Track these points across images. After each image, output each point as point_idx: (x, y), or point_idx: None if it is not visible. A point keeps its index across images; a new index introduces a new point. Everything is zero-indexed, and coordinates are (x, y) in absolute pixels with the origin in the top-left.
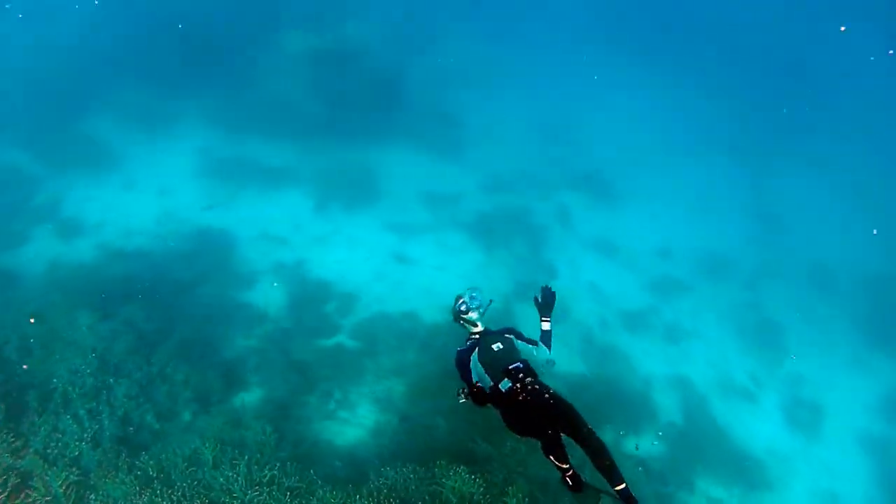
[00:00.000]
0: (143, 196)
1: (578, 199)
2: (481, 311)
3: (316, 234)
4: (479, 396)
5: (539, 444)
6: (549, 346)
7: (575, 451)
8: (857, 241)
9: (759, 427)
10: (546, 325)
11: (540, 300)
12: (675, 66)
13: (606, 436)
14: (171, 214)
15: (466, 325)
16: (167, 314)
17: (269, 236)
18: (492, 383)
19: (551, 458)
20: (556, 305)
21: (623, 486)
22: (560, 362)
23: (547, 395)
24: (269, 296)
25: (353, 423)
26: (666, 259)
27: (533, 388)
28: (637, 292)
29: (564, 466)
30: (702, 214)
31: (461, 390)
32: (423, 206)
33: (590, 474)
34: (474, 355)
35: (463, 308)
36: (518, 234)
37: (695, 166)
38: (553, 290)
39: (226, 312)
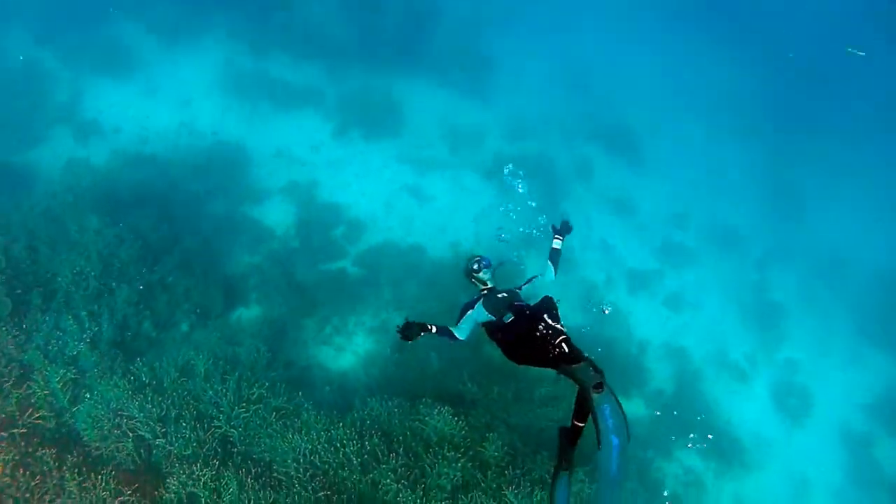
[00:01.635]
0: (162, 104)
1: (601, 155)
2: (492, 274)
3: (332, 158)
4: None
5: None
6: (556, 267)
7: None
8: (875, 236)
9: (746, 407)
10: (557, 244)
11: (558, 227)
12: (713, 35)
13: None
14: (189, 125)
15: (477, 282)
16: (175, 224)
17: (285, 155)
18: (495, 320)
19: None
20: (563, 256)
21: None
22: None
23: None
24: (278, 214)
25: (348, 350)
26: (680, 226)
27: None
28: (646, 255)
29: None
30: (722, 186)
31: None
32: (443, 143)
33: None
34: (479, 304)
35: (475, 267)
36: (535, 182)
37: (722, 136)
38: (571, 224)
39: (234, 227)
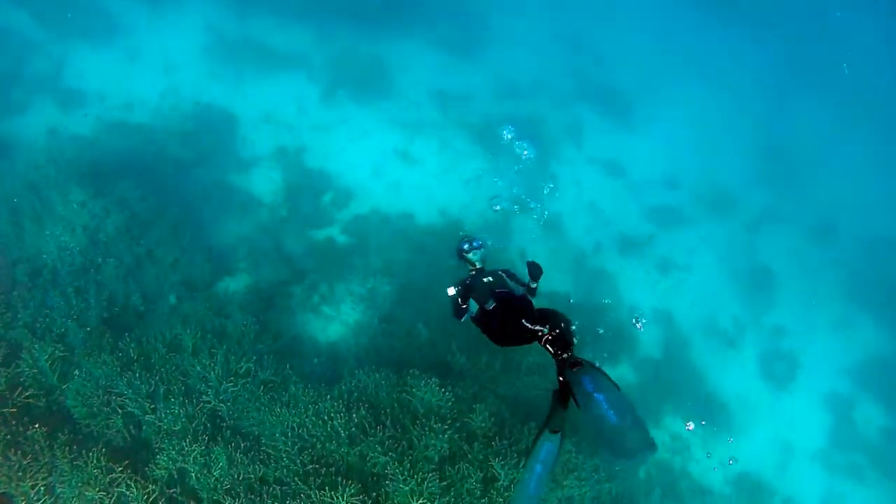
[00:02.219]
0: (147, 69)
1: (593, 115)
2: (482, 256)
3: (320, 123)
4: (460, 311)
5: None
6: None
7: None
8: (867, 200)
9: (733, 372)
10: (533, 284)
11: (530, 270)
12: None
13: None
14: (174, 91)
15: (467, 262)
16: (162, 194)
17: (272, 120)
18: (479, 306)
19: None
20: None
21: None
22: (549, 283)
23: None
24: (266, 182)
25: (337, 319)
26: (671, 188)
27: (513, 297)
28: (636, 219)
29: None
30: (715, 147)
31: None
32: (432, 105)
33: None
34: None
35: (465, 247)
36: (526, 143)
37: (716, 96)
38: (540, 265)
39: (222, 195)
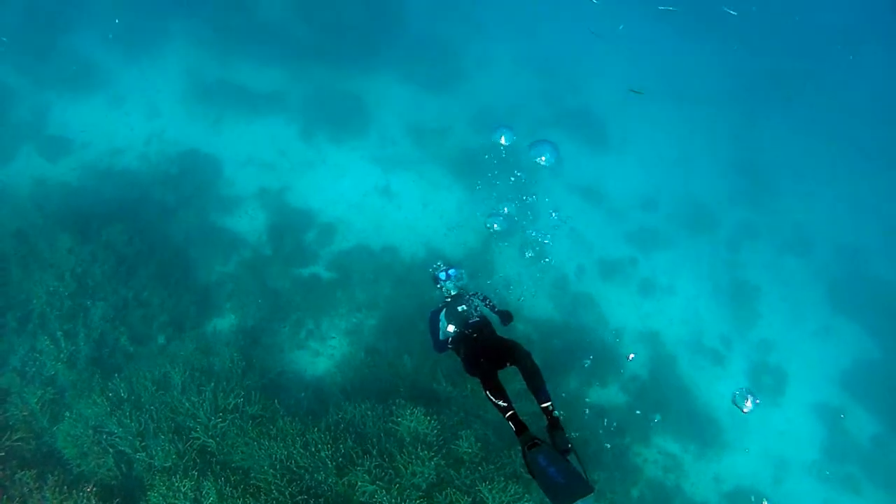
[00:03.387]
0: (129, 116)
1: (568, 141)
2: (455, 283)
3: (300, 162)
4: (439, 345)
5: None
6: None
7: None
8: (841, 210)
9: (722, 388)
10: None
11: (501, 319)
12: (675, 12)
13: (570, 383)
14: (157, 135)
15: (442, 290)
16: (148, 237)
17: (254, 161)
18: (455, 332)
19: (488, 393)
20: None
21: (548, 404)
22: (531, 307)
23: (492, 337)
24: (249, 222)
25: (323, 353)
26: (650, 210)
27: (480, 329)
28: (617, 242)
29: (502, 404)
30: (691, 166)
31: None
32: (409, 139)
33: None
34: (442, 313)
35: (443, 277)
36: (504, 172)
37: (689, 116)
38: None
39: (206, 237)
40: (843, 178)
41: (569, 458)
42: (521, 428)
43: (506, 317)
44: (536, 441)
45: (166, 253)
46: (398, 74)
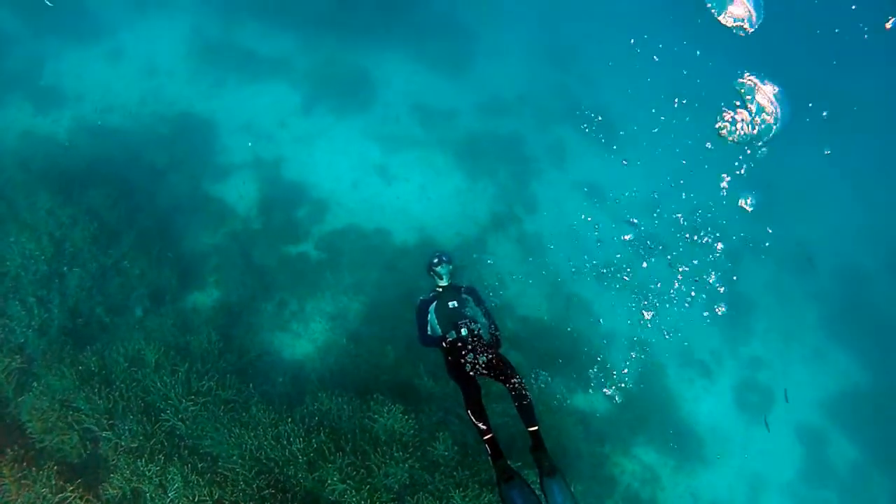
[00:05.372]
0: (127, 71)
1: (576, 136)
2: (450, 272)
3: (300, 134)
4: (425, 339)
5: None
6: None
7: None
8: (846, 232)
9: (707, 403)
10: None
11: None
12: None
13: (555, 386)
14: (154, 94)
15: (434, 276)
16: (133, 201)
17: (251, 129)
18: (441, 333)
19: (470, 413)
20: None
21: (535, 428)
22: (525, 306)
23: (483, 347)
24: (241, 192)
25: (304, 336)
26: (653, 214)
27: (471, 336)
28: (616, 244)
29: (482, 426)
30: (698, 173)
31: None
32: (414, 120)
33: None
34: (432, 307)
35: (435, 262)
36: (507, 162)
37: (701, 120)
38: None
39: (194, 205)
40: (853, 201)
41: (555, 478)
42: (497, 454)
43: (494, 326)
44: (511, 474)
45: (151, 220)
46: (409, 52)
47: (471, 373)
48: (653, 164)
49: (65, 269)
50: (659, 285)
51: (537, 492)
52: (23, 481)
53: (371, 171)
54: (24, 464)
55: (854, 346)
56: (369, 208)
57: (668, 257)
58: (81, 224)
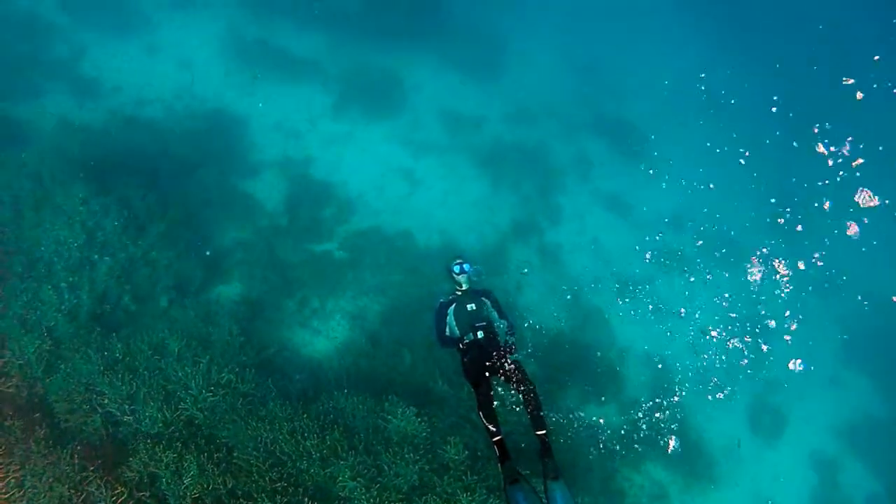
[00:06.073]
0: (164, 65)
1: (601, 148)
2: (470, 278)
3: (330, 134)
4: (444, 339)
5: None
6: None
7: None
8: (876, 259)
9: (721, 423)
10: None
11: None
12: (728, 34)
13: (569, 398)
14: (189, 89)
15: (453, 280)
16: (164, 193)
17: (282, 128)
18: (459, 335)
19: (481, 414)
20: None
21: (543, 432)
22: (541, 318)
23: (498, 351)
24: (270, 189)
25: (324, 335)
26: (676, 230)
27: (488, 339)
28: (638, 259)
29: (492, 428)
30: (724, 191)
31: None
32: (441, 126)
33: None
34: (451, 308)
35: (456, 269)
36: (531, 172)
37: (730, 139)
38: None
39: (224, 199)
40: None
41: (558, 482)
42: (505, 457)
43: (510, 326)
44: (517, 477)
45: (180, 212)
46: (440, 58)
47: (486, 374)
48: (681, 179)
49: (95, 256)
50: (683, 311)
51: (542, 497)
52: (48, 457)
53: (398, 175)
54: (51, 441)
55: (873, 375)
56: (394, 211)
57: (692, 278)
58: (113, 213)
